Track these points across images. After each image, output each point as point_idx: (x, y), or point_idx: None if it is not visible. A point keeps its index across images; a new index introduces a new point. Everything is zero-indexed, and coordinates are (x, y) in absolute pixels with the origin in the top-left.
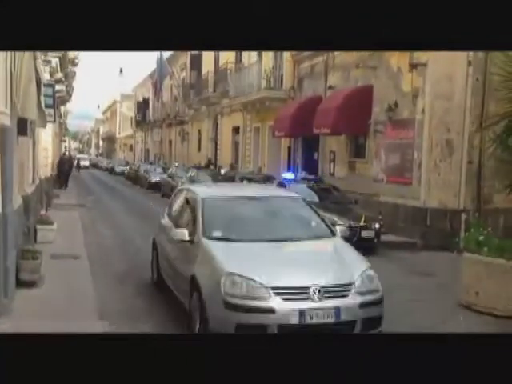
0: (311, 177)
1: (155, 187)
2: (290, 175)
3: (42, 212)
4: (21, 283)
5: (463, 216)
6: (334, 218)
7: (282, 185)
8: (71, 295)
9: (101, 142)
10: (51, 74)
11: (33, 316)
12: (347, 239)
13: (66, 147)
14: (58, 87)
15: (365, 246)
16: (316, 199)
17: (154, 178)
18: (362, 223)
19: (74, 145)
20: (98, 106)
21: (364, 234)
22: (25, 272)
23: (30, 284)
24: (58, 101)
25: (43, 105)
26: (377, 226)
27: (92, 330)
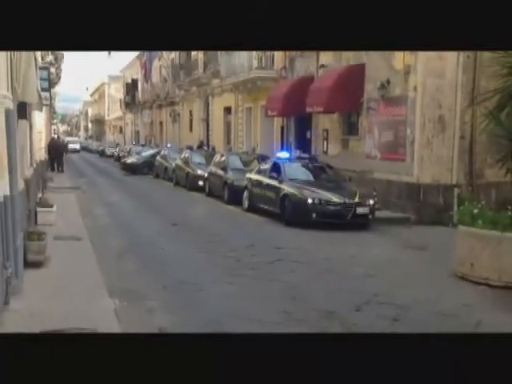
0: (306, 155)
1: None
2: (284, 154)
3: (39, 195)
4: (28, 264)
5: (456, 191)
6: (329, 195)
7: (276, 164)
8: (79, 275)
9: (90, 125)
10: (43, 57)
11: (43, 296)
12: (342, 216)
13: (55, 130)
14: None
15: (360, 223)
16: (311, 178)
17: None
18: (356, 200)
19: (63, 128)
20: (87, 88)
21: (359, 210)
22: (31, 253)
23: (37, 264)
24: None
25: (39, 88)
26: (371, 202)
27: (103, 308)
